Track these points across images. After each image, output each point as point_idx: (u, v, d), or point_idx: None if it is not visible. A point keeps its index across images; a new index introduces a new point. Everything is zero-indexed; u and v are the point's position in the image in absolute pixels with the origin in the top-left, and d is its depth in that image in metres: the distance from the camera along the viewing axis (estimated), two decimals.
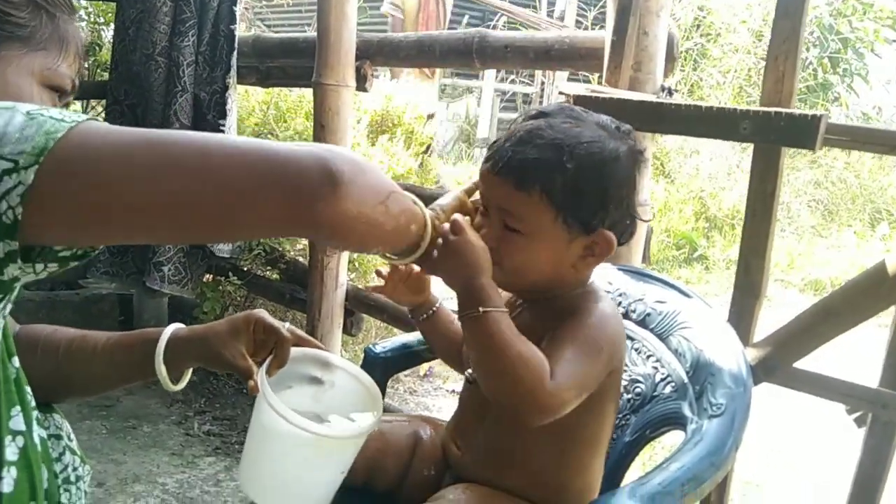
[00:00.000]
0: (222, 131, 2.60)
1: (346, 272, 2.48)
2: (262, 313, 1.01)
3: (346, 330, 2.54)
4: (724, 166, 6.58)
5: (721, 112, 1.29)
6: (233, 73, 2.58)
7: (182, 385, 1.02)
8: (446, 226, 0.90)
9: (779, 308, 3.90)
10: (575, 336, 0.96)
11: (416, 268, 1.09)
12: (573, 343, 0.95)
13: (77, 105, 3.56)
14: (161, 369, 0.96)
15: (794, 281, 5.43)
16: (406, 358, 1.46)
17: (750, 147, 1.42)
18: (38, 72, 0.80)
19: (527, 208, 0.94)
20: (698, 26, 7.22)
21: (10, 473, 0.72)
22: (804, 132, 1.20)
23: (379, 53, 2.24)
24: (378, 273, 1.14)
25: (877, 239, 6.26)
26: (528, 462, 1.05)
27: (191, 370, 1.03)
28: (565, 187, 0.93)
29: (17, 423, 0.74)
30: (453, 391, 3.05)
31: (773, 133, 1.24)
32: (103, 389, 1.04)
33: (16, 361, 0.77)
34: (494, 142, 1.00)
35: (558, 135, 0.94)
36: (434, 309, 1.17)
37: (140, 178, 0.62)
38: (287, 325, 1.03)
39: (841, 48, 7.71)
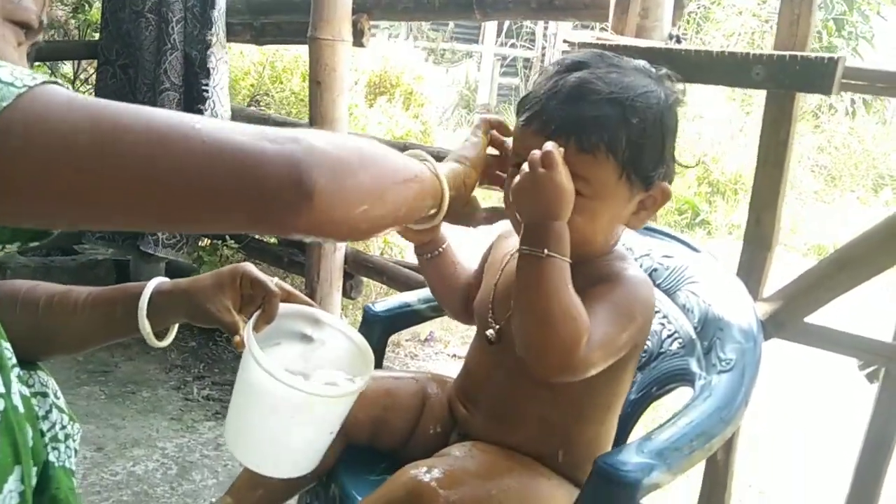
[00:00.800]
0: (205, 91, 2.53)
1: None
2: (249, 266, 0.97)
3: (346, 293, 2.51)
4: (728, 130, 6.51)
5: (732, 57, 1.24)
6: (216, 29, 2.49)
7: (167, 342, 0.97)
8: (536, 153, 0.84)
9: (782, 270, 3.86)
10: (610, 301, 0.93)
11: None
12: (607, 308, 0.92)
13: (68, 66, 3.49)
14: (144, 324, 0.92)
15: (796, 245, 5.40)
16: (406, 317, 1.42)
17: (754, 111, 1.37)
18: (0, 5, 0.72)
19: (592, 170, 0.89)
20: None
21: None
22: (820, 76, 1.15)
23: (376, 7, 2.17)
24: None
25: (880, 204, 6.22)
26: (536, 423, 1.03)
27: (176, 326, 0.99)
28: (630, 143, 0.89)
29: None
30: (454, 355, 3.03)
31: (788, 78, 1.19)
32: (86, 346, 0.99)
33: None
34: (528, 98, 0.94)
35: (613, 88, 0.88)
36: (441, 249, 1.12)
37: (88, 164, 0.54)
38: (276, 279, 0.99)
39: (846, 10, 7.59)
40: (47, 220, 0.60)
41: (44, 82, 0.55)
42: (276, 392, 0.87)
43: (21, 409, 0.74)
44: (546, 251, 0.84)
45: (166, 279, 0.97)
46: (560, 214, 0.85)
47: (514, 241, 1.10)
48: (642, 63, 0.96)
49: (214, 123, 0.60)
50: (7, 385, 0.72)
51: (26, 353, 0.79)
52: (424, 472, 0.92)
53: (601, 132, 0.87)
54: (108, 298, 0.94)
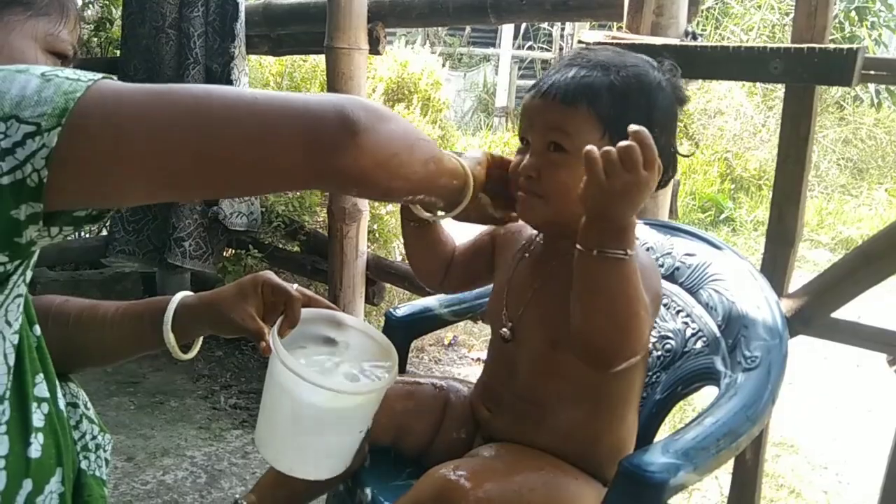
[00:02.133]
0: None
1: (365, 241, 2.45)
2: (269, 274, 0.99)
3: (369, 299, 2.52)
4: (750, 126, 6.43)
5: (750, 51, 1.22)
6: (238, 42, 2.53)
7: (192, 354, 0.99)
8: (634, 149, 0.78)
9: (809, 267, 3.81)
10: None
11: None
12: None
13: None
14: (169, 338, 0.94)
15: (823, 240, 5.32)
16: (428, 321, 1.42)
17: (777, 105, 1.36)
18: (41, 37, 0.80)
19: (573, 122, 0.93)
20: None
21: (38, 439, 0.72)
22: (840, 68, 1.14)
23: (391, 14, 2.18)
24: None
25: None
26: (559, 420, 1.03)
27: (200, 339, 1.01)
28: (612, 102, 0.92)
29: (42, 390, 0.74)
30: (478, 359, 3.03)
31: (806, 71, 1.18)
32: (115, 359, 1.03)
33: (37, 330, 0.77)
34: (537, 81, 1.00)
35: (603, 58, 0.95)
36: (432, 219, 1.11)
37: (160, 132, 0.62)
38: (295, 285, 1.01)
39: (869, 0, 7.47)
40: (128, 194, 0.67)
41: (104, 77, 0.62)
42: (305, 393, 0.88)
43: (65, 414, 0.78)
44: (630, 252, 0.83)
45: (190, 293, 0.99)
46: (636, 211, 0.83)
47: (523, 237, 1.11)
48: (646, 56, 1.00)
49: (263, 91, 0.68)
50: (52, 391, 0.76)
51: (58, 366, 0.82)
52: (452, 470, 0.93)
53: (586, 88, 0.92)
54: (135, 313, 0.97)
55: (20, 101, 0.58)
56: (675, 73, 1.00)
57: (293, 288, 0.99)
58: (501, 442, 1.05)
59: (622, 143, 0.79)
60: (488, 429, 1.10)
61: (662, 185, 0.99)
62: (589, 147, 0.80)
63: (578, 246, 0.85)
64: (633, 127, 0.79)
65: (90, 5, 3.40)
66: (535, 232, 1.09)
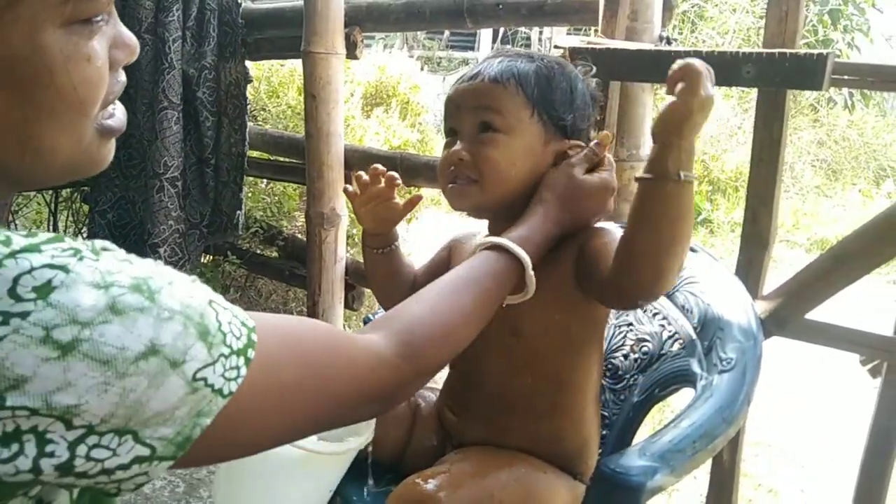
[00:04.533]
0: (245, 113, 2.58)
1: (345, 246, 2.44)
2: None
3: (348, 304, 2.51)
4: (726, 129, 6.50)
5: (723, 56, 1.24)
6: (234, 47, 2.55)
7: None
8: (683, 62, 0.76)
9: (785, 268, 3.85)
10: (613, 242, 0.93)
11: (395, 199, 1.06)
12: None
13: None
14: None
15: (799, 241, 5.38)
16: None
17: (752, 107, 1.37)
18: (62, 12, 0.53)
19: (504, 100, 0.94)
20: None
21: None
22: (810, 72, 1.15)
23: (368, 19, 2.18)
24: (356, 178, 1.08)
25: (882, 196, 6.20)
26: (521, 416, 1.03)
27: None
28: (538, 83, 0.95)
29: None
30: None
31: (778, 76, 1.19)
32: None
33: None
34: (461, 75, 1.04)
35: (525, 51, 1.01)
36: (394, 245, 1.11)
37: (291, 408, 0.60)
38: None
39: (842, 3, 7.58)
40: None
41: (244, 376, 0.54)
42: (277, 451, 0.86)
43: None
44: (684, 175, 0.79)
45: None
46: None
47: (473, 243, 1.10)
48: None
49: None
50: None
51: None
52: (424, 480, 0.93)
53: (513, 70, 0.95)
54: None
55: (142, 404, 0.48)
56: (588, 72, 1.04)
57: None
58: (471, 446, 1.05)
59: (684, 61, 0.75)
60: (456, 434, 1.10)
61: None
62: (690, 60, 0.76)
63: (650, 175, 0.80)
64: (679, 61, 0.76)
65: None
66: (485, 231, 1.08)
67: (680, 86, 0.75)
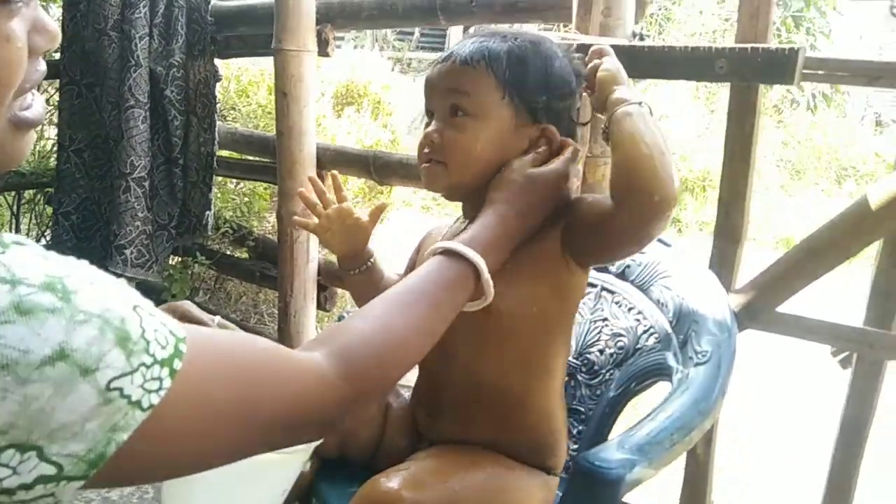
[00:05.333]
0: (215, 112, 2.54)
1: (317, 246, 2.41)
2: (188, 305, 0.94)
3: (320, 305, 2.48)
4: (694, 129, 6.60)
5: (696, 52, 1.25)
6: (203, 44, 2.51)
7: None
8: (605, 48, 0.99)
9: (751, 264, 3.89)
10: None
11: (359, 214, 1.06)
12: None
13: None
14: None
15: (765, 239, 5.48)
16: None
17: (718, 108, 1.39)
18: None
19: (473, 83, 0.94)
20: None
21: None
22: (782, 67, 1.17)
23: (340, 15, 2.15)
24: (304, 197, 1.10)
25: (844, 195, 6.33)
26: (491, 407, 1.02)
27: None
28: (510, 64, 0.94)
29: None
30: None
31: (750, 70, 1.20)
32: None
33: None
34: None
35: (502, 30, 1.00)
36: (370, 262, 1.10)
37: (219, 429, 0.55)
38: (217, 318, 0.95)
39: (804, 7, 7.75)
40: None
41: (167, 389, 0.50)
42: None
43: None
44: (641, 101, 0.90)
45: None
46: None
47: (450, 227, 1.10)
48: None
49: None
50: None
51: None
52: (388, 479, 0.91)
53: (484, 51, 0.94)
54: None
55: (59, 427, 0.43)
56: (570, 48, 1.04)
57: (215, 321, 0.94)
58: (440, 444, 1.04)
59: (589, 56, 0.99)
60: (428, 432, 1.09)
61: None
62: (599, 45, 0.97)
63: (614, 109, 0.90)
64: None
65: None
66: (460, 217, 1.08)
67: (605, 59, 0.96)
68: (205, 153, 2.58)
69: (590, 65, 0.97)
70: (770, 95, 6.85)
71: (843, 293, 2.97)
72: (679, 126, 6.53)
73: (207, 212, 2.61)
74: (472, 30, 1.06)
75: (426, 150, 0.97)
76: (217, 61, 2.59)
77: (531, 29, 1.07)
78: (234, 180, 3.04)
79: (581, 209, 0.95)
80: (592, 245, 0.94)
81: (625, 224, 0.89)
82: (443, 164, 0.95)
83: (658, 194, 0.85)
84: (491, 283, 0.83)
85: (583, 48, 1.07)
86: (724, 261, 1.40)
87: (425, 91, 1.00)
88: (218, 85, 2.59)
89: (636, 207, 0.86)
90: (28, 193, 3.17)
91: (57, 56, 2.74)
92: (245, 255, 2.86)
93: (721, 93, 5.77)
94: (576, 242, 0.95)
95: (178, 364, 0.50)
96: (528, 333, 0.98)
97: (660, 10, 7.12)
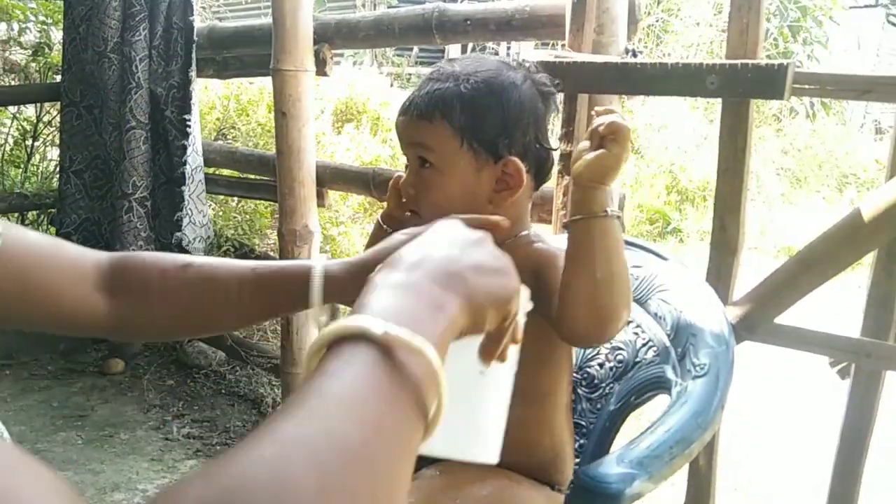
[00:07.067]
0: (188, 126, 2.53)
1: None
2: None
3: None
4: (693, 139, 6.61)
5: (687, 68, 1.26)
6: (194, 66, 2.52)
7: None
8: (615, 121, 0.84)
9: (755, 274, 3.90)
10: None
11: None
12: None
13: (31, 109, 3.45)
14: (321, 320, 0.82)
15: (767, 248, 5.48)
16: None
17: (717, 118, 1.40)
18: None
19: (431, 135, 0.95)
20: (659, 1, 7.24)
21: None
22: (773, 82, 1.18)
23: (337, 35, 2.18)
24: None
25: (845, 203, 6.33)
26: None
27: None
28: (463, 109, 0.94)
29: None
30: None
31: (741, 86, 1.22)
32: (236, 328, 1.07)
33: None
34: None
35: (457, 68, 0.97)
36: None
37: None
38: None
39: (800, 16, 7.78)
40: None
41: None
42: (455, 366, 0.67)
43: None
44: (611, 210, 0.86)
45: (332, 261, 0.83)
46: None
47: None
48: (509, 59, 1.03)
49: None
50: None
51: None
52: None
53: (438, 101, 0.94)
54: (268, 287, 0.83)
55: None
56: (532, 70, 1.01)
57: None
58: (446, 461, 1.04)
59: (611, 119, 0.85)
60: None
61: (539, 181, 1.02)
62: (615, 117, 0.85)
63: (580, 215, 0.85)
64: (598, 108, 0.87)
65: (27, 30, 3.33)
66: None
67: (610, 141, 0.85)
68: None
69: (600, 128, 0.86)
70: (769, 104, 6.87)
71: (841, 304, 2.97)
72: (678, 136, 6.55)
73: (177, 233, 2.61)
74: (431, 69, 1.04)
75: (404, 201, 1.00)
76: (214, 81, 2.61)
77: (504, 56, 1.02)
78: (235, 199, 3.06)
79: (547, 278, 0.93)
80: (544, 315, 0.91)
81: (566, 339, 0.92)
82: (418, 216, 0.97)
83: (608, 332, 0.87)
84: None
85: (575, 65, 1.06)
86: (721, 273, 1.41)
87: (398, 138, 1.02)
88: (216, 102, 2.61)
89: (580, 340, 0.90)
90: (31, 214, 3.19)
91: (58, 78, 2.77)
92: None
93: (719, 103, 5.80)
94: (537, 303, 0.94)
95: None
96: (522, 370, 0.97)
97: (657, 21, 7.16)
